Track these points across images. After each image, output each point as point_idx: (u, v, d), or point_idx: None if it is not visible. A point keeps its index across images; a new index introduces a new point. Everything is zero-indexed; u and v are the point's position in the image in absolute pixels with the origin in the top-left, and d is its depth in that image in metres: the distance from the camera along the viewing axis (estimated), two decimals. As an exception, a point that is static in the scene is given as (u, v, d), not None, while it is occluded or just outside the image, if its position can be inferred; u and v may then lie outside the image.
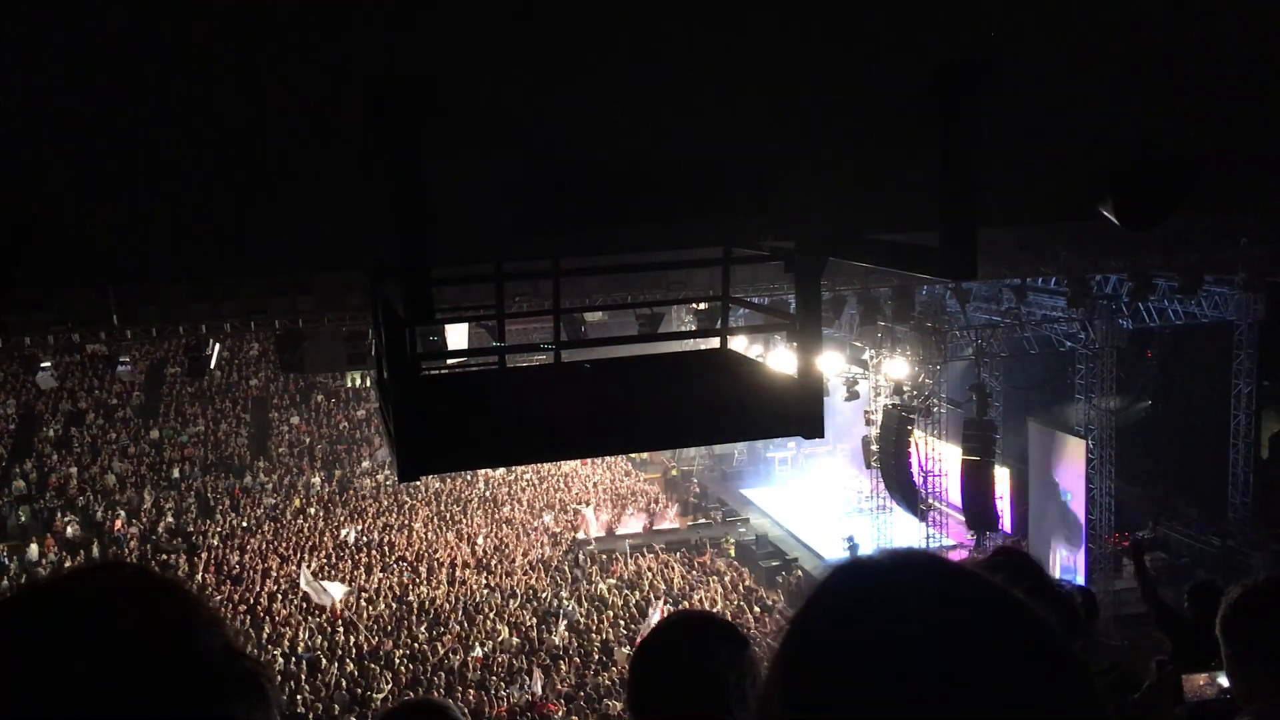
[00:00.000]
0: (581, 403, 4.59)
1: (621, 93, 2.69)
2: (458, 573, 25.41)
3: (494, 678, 19.52)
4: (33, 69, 2.19)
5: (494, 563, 26.23)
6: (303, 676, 19.61)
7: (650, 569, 25.70)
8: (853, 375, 25.61)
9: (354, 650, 20.90)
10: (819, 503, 33.00)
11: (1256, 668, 2.31)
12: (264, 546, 27.86)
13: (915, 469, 24.18)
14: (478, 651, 20.65)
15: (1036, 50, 2.65)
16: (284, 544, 27.98)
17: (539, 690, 18.80)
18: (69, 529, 29.16)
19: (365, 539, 28.30)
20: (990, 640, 0.87)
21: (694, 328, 17.90)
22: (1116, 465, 24.52)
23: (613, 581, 24.91)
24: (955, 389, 25.82)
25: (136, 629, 1.01)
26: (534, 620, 22.38)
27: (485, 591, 24.11)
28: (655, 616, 21.03)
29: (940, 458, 25.26)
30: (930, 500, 25.14)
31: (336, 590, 22.89)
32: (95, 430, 34.08)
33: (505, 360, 5.95)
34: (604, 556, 26.82)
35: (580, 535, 28.64)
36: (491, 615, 22.63)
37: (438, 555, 26.72)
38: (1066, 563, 24.85)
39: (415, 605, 23.29)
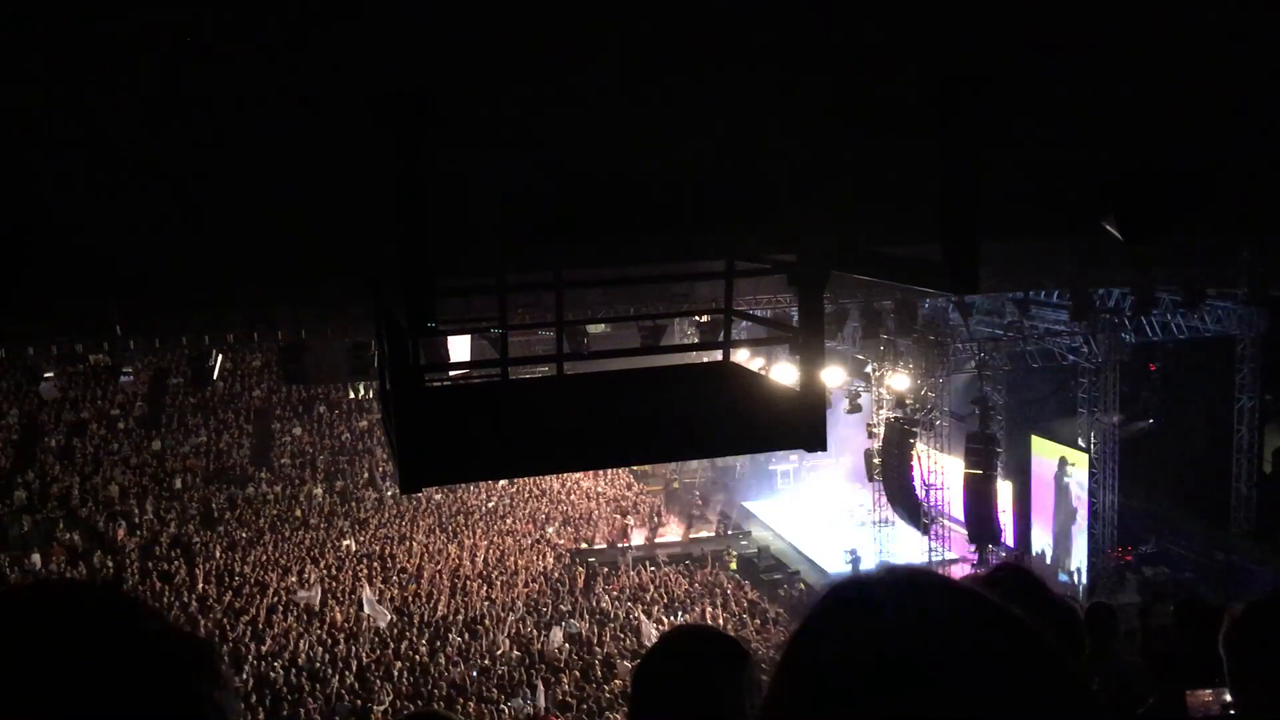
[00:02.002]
0: (584, 415, 4.58)
1: (624, 105, 2.69)
2: (459, 584, 25.37)
3: (495, 690, 19.46)
4: (32, 79, 2.19)
5: (495, 575, 26.18)
6: (304, 688, 19.55)
7: (653, 581, 25.68)
8: (855, 388, 25.59)
9: (355, 662, 20.85)
10: (821, 516, 32.92)
11: (1261, 684, 2.30)
12: (266, 558, 27.83)
13: (917, 482, 24.13)
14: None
15: (1039, 64, 2.65)
16: (285, 555, 27.96)
17: (542, 703, 18.73)
18: (72, 537, 29.17)
19: (366, 550, 28.28)
20: (987, 657, 0.87)
21: (697, 340, 17.90)
22: (1119, 479, 24.47)
23: (615, 594, 24.87)
24: (958, 402, 25.78)
25: (74, 622, 1.02)
26: (534, 632, 22.34)
27: (486, 604, 24.06)
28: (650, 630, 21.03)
29: (942, 471, 25.22)
30: (932, 514, 25.08)
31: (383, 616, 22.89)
32: (97, 441, 34.07)
33: (508, 372, 5.94)
34: (605, 569, 26.78)
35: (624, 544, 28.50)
36: (492, 627, 22.58)
37: (439, 567, 26.69)
38: (1069, 577, 24.78)
39: (416, 617, 23.26)
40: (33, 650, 0.98)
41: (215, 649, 1.12)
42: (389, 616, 22.74)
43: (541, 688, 19.07)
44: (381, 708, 18.66)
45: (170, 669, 1.03)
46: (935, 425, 24.86)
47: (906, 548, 25.70)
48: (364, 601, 22.92)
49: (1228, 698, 3.65)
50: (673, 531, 31.43)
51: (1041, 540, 26.36)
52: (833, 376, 23.85)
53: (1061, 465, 25.42)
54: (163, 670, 1.02)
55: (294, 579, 25.82)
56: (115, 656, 1.00)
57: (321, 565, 26.93)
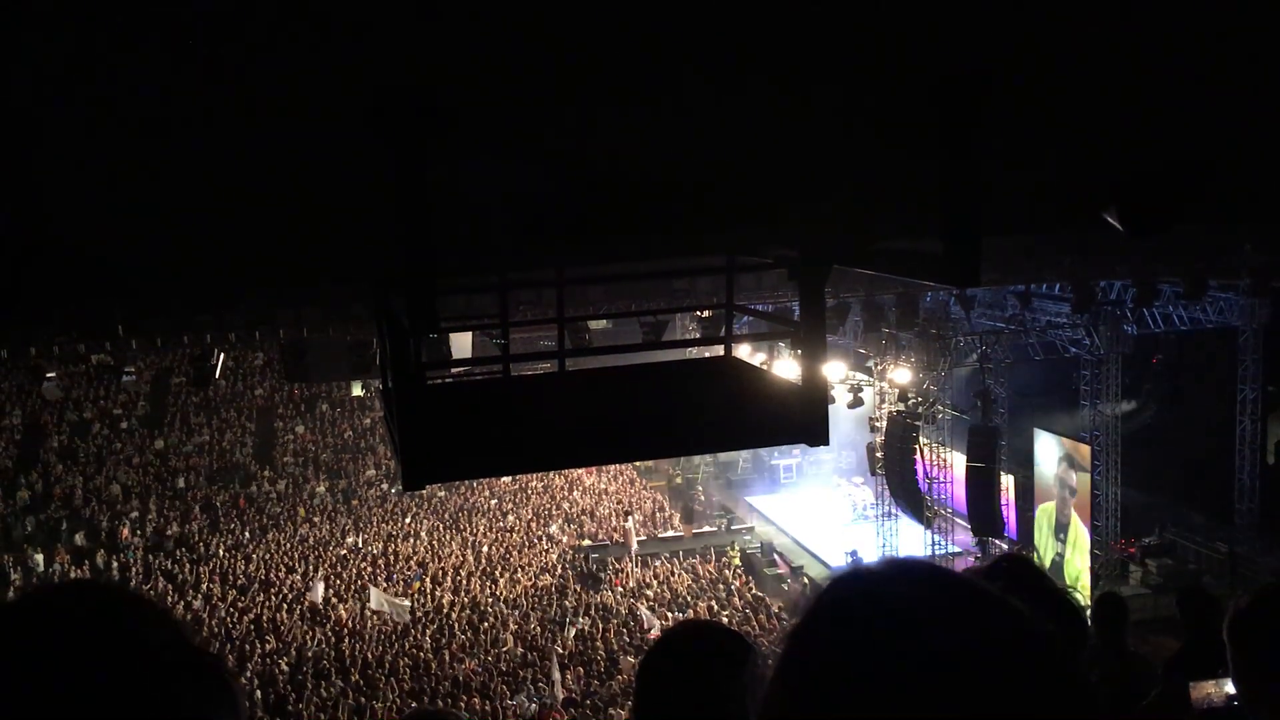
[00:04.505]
0: (586, 411, 4.58)
1: (626, 102, 2.70)
2: (462, 582, 25.39)
3: (501, 686, 19.47)
4: (34, 82, 2.20)
5: (499, 572, 26.20)
6: (308, 686, 19.58)
7: (656, 577, 25.68)
8: (857, 382, 25.57)
9: (359, 660, 20.87)
10: (824, 510, 32.92)
11: (1264, 675, 2.30)
12: (269, 556, 27.86)
13: (920, 476, 24.12)
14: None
15: (1041, 58, 2.65)
16: (289, 553, 27.99)
17: (559, 696, 18.71)
18: (76, 538, 29.22)
19: (369, 548, 28.31)
20: (987, 650, 0.87)
21: (698, 336, 17.90)
22: (1122, 471, 24.45)
23: (619, 590, 24.89)
24: (960, 395, 25.76)
25: (77, 630, 1.02)
26: (538, 629, 22.35)
27: (490, 600, 24.08)
28: (655, 626, 21.04)
29: (945, 464, 25.20)
30: (935, 507, 25.07)
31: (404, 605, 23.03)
32: (100, 441, 34.12)
33: (510, 368, 5.95)
34: (613, 562, 26.80)
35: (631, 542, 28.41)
36: (496, 624, 22.60)
37: (443, 564, 26.71)
38: (1071, 569, 24.77)
39: (420, 614, 23.28)
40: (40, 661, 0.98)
41: (224, 665, 1.10)
42: (406, 611, 22.82)
43: (558, 679, 19.05)
44: (385, 705, 18.68)
45: (157, 677, 1.02)
46: (937, 419, 24.84)
47: (909, 541, 25.70)
48: (375, 599, 23.00)
49: (1231, 689, 3.65)
50: (675, 527, 31.41)
51: (1044, 533, 26.34)
52: (834, 371, 23.85)
53: (1064, 458, 25.41)
54: (147, 677, 1.01)
55: (298, 577, 25.85)
56: (97, 662, 0.99)
57: (325, 563, 26.96)
